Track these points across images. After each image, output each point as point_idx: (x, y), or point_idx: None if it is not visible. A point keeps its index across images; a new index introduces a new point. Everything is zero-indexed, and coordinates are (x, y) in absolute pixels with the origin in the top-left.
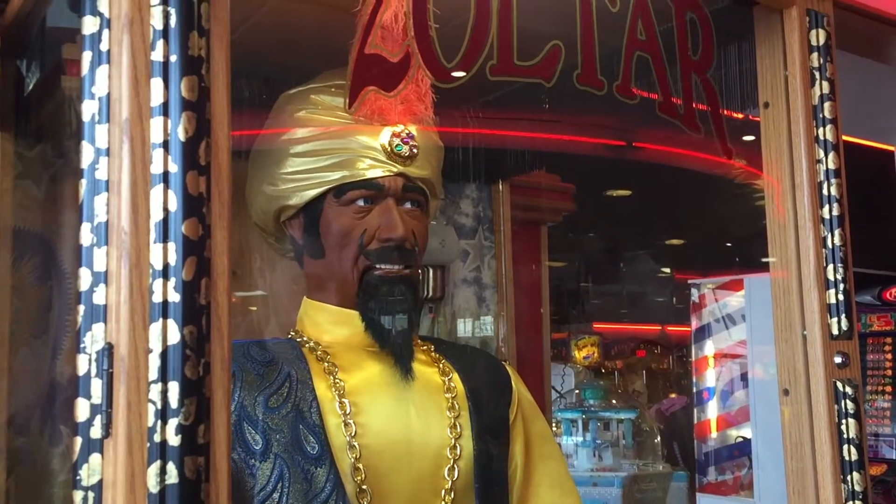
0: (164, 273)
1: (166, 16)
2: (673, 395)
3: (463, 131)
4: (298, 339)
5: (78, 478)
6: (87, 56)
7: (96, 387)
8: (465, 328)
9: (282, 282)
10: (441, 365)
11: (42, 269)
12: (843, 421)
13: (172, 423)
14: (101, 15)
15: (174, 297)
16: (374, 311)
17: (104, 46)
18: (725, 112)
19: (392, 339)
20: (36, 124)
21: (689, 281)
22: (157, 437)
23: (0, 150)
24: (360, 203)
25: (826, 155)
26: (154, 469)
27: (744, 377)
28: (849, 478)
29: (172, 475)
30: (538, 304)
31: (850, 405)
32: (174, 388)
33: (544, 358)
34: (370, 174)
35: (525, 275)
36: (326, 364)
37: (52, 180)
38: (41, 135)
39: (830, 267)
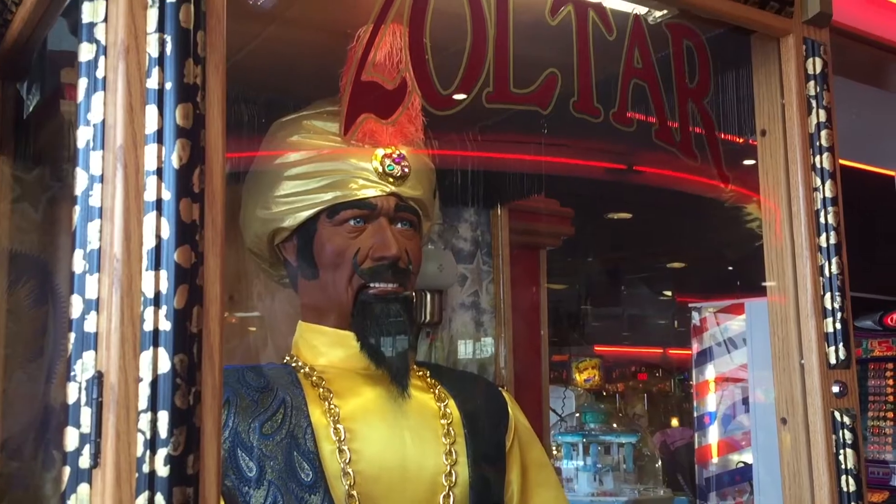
0: (156, 301)
1: (162, 43)
2: (676, 423)
3: (461, 154)
4: (293, 364)
5: None
6: (82, 83)
7: (86, 415)
8: (463, 352)
9: (280, 307)
10: (437, 391)
11: (38, 292)
12: (842, 451)
13: (161, 453)
14: (97, 42)
15: (165, 325)
16: (369, 329)
17: (100, 73)
18: (724, 136)
19: (387, 357)
20: (35, 147)
21: (690, 304)
22: (145, 468)
23: None
24: (353, 223)
25: (823, 183)
26: (142, 500)
27: (745, 401)
28: None
29: None
30: (537, 328)
31: (848, 435)
32: (164, 417)
33: (543, 382)
34: (363, 194)
35: (524, 299)
36: (321, 390)
37: (49, 203)
38: (40, 158)
39: (828, 295)
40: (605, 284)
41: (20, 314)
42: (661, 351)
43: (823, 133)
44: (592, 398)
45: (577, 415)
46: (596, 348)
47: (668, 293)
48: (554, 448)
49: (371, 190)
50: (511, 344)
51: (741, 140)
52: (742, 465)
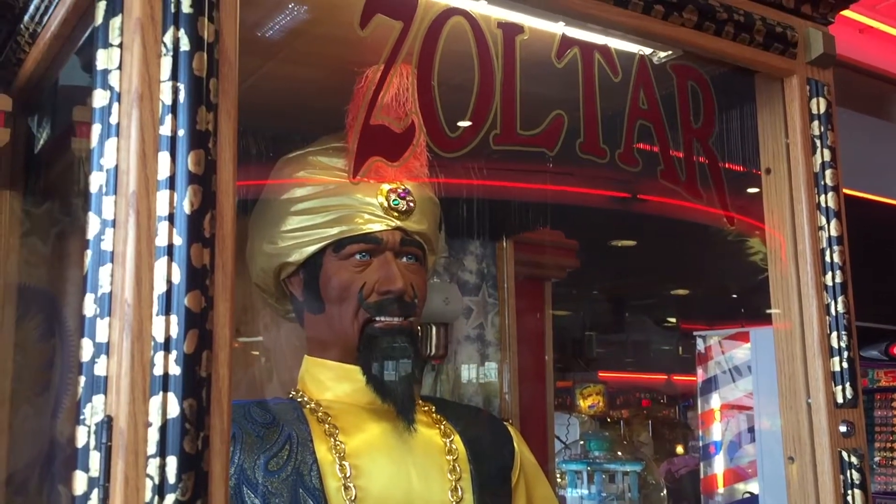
0: (166, 345)
1: (175, 91)
2: (681, 451)
3: (466, 183)
4: (299, 400)
5: None
6: (96, 128)
7: (94, 460)
8: (468, 385)
9: (286, 340)
10: (442, 426)
11: (46, 326)
12: (849, 492)
13: (170, 498)
14: (111, 89)
15: (175, 369)
16: (375, 362)
17: (114, 119)
18: (728, 165)
19: (393, 390)
20: (45, 182)
21: (695, 332)
22: None
23: (9, 207)
24: (359, 257)
25: (828, 222)
26: None
27: (751, 430)
28: None
29: None
30: (542, 357)
31: (855, 475)
32: (172, 462)
33: (548, 410)
34: (368, 228)
35: (529, 329)
36: (327, 426)
37: (58, 238)
38: (49, 193)
39: (834, 334)
40: (609, 311)
41: (27, 348)
42: (666, 377)
43: (828, 172)
44: (597, 425)
45: (582, 442)
46: (600, 374)
47: (673, 320)
48: (558, 476)
49: (376, 224)
50: (515, 373)
51: (744, 168)
52: (748, 495)
